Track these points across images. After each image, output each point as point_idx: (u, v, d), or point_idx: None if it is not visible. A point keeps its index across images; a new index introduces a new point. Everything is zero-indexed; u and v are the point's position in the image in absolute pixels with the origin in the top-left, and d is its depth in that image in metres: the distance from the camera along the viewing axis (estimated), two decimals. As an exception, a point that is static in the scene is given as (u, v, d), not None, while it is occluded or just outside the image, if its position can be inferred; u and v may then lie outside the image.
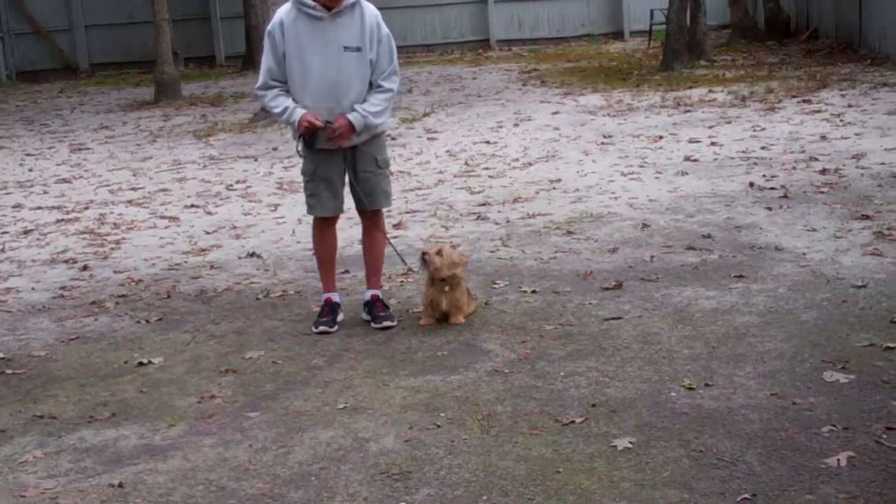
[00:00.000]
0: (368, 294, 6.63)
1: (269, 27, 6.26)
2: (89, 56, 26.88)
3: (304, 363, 5.96)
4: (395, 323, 6.46)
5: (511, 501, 4.19)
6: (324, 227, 6.66)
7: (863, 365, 5.26)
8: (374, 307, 6.53)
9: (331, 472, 4.57)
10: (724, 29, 24.74)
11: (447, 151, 12.68)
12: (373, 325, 6.47)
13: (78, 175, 12.83)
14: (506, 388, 5.35)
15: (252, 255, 8.46)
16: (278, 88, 6.28)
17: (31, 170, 13.64)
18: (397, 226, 9.04)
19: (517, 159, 11.79)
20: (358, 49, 6.16)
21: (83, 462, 4.87)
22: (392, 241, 7.34)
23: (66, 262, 8.69)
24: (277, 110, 6.29)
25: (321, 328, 6.41)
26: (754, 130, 12.29)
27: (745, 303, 6.35)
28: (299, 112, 6.18)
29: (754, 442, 4.54)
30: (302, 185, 6.68)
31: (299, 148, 6.40)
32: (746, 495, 4.09)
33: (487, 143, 13.07)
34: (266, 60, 6.25)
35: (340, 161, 6.46)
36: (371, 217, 6.66)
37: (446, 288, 6.33)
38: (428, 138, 13.81)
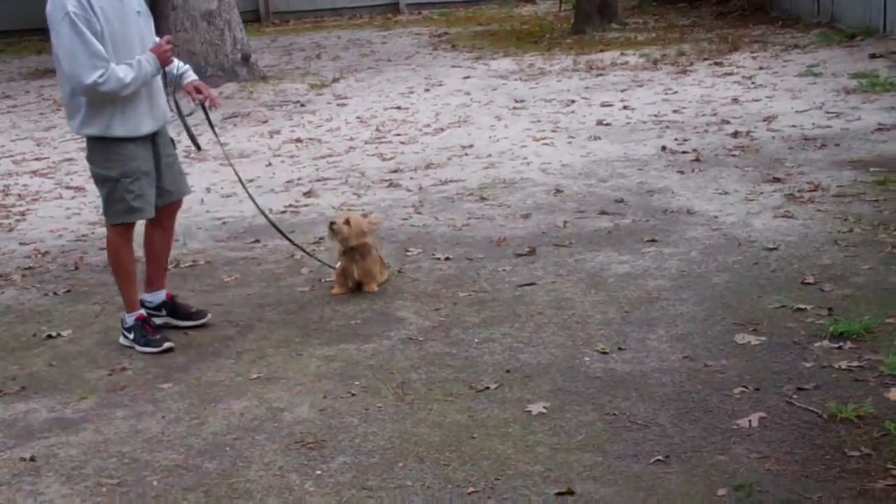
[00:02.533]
0: (163, 294, 6.08)
1: (69, 9, 5.22)
2: (-10, 22, 26.31)
3: (215, 334, 5.90)
4: (209, 315, 6.13)
5: (426, 468, 4.20)
6: (130, 231, 5.85)
7: (774, 327, 5.34)
8: (178, 306, 6.10)
9: (245, 443, 4.54)
10: (635, -8, 24.85)
11: (358, 118, 12.60)
12: (183, 323, 6.02)
13: (-20, 145, 12.56)
14: (420, 355, 5.35)
15: (162, 224, 8.32)
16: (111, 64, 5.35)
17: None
18: (308, 194, 8.96)
19: (429, 125, 11.74)
20: (143, 13, 5.68)
21: (-7, 437, 4.80)
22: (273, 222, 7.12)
23: (-31, 233, 8.51)
24: (129, 76, 5.36)
25: (166, 345, 5.70)
26: (666, 94, 12.37)
27: (658, 267, 6.40)
28: (147, 56, 5.47)
29: (667, 404, 4.58)
30: (118, 191, 5.58)
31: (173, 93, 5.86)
32: (660, 457, 4.14)
33: (398, 108, 13.01)
34: (86, 44, 5.24)
35: (151, 149, 5.76)
36: (174, 207, 6.04)
37: (357, 257, 6.30)
38: (338, 104, 13.71)
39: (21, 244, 8.04)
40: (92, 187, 9.70)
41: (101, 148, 5.56)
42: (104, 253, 7.49)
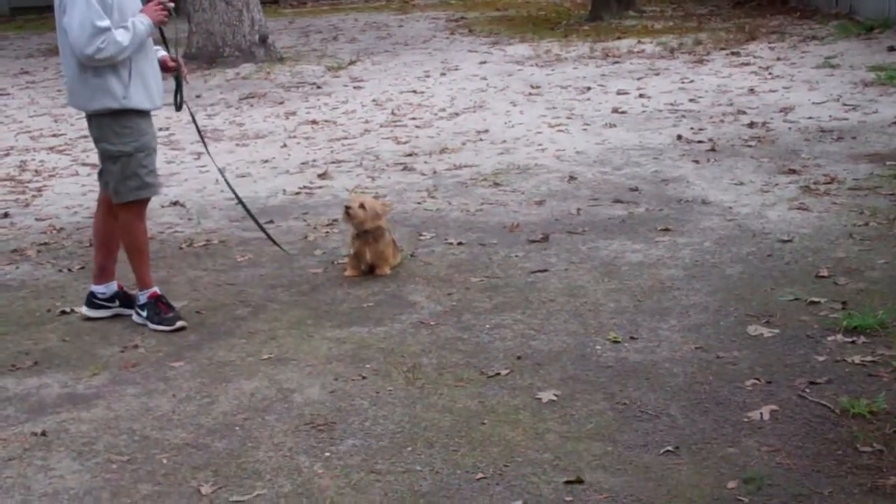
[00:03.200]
0: (115, 285, 5.98)
1: None
2: (9, 0, 26.27)
3: (227, 313, 5.90)
4: None
5: (436, 453, 4.20)
6: (144, 209, 5.85)
7: (787, 319, 5.32)
8: (131, 295, 5.98)
9: (255, 423, 4.55)
10: (653, -20, 24.75)
11: (373, 100, 12.58)
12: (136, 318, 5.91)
13: (-3, 120, 12.58)
14: (431, 340, 5.35)
15: (175, 203, 8.35)
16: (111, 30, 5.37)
17: (-52, 115, 13.34)
18: (322, 175, 8.96)
19: (444, 109, 11.73)
20: None
21: (5, 410, 4.82)
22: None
23: (-16, 209, 8.53)
24: (127, 39, 5.38)
25: (178, 324, 5.70)
26: (682, 83, 12.34)
27: (671, 256, 6.39)
28: (140, 17, 5.48)
29: (678, 395, 4.58)
30: (132, 166, 5.59)
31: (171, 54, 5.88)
32: (670, 447, 4.13)
33: (414, 92, 12.99)
34: (95, 16, 5.29)
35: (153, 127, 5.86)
36: None
37: (370, 240, 6.30)
38: (354, 87, 13.69)
39: (37, 220, 8.06)
40: (107, 164, 9.74)
41: (113, 123, 5.55)
42: (118, 230, 7.52)
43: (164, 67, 5.88)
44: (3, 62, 18.03)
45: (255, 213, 7.39)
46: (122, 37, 5.37)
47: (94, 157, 10.04)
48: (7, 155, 10.54)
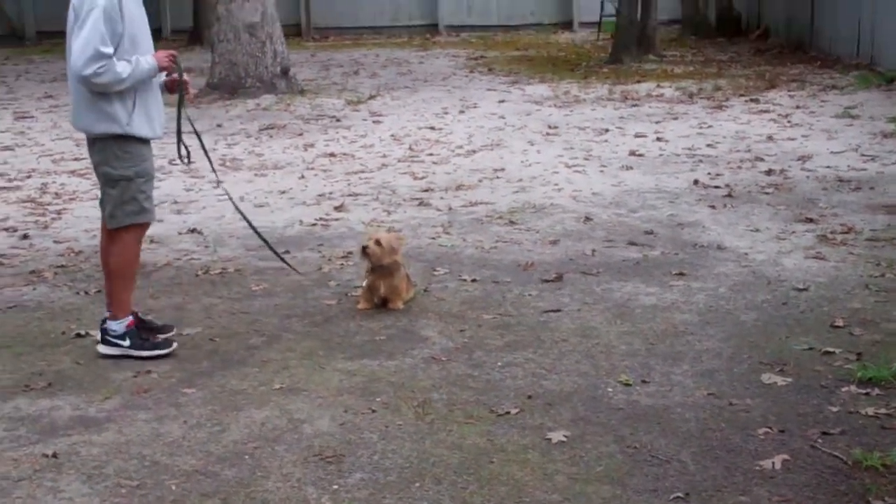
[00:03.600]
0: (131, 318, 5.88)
1: (101, 3, 5.36)
2: (36, 24, 26.43)
3: (241, 342, 5.92)
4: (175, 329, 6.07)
5: (443, 489, 4.19)
6: (142, 234, 5.91)
7: (801, 368, 5.31)
8: (145, 321, 5.99)
9: (265, 452, 4.55)
10: (675, 24, 24.80)
11: (392, 135, 12.64)
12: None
13: (21, 143, 12.61)
14: (442, 375, 5.35)
15: (193, 230, 8.38)
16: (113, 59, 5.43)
17: (-30, 135, 13.42)
18: (338, 208, 8.99)
19: (461, 146, 11.78)
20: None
21: (17, 431, 4.83)
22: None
23: (5, 230, 8.57)
24: (126, 72, 5.42)
25: (175, 346, 5.78)
26: (701, 128, 12.37)
27: (686, 301, 6.39)
28: (145, 58, 5.54)
29: (689, 441, 4.56)
30: (131, 191, 5.64)
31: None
32: (679, 494, 4.11)
33: (432, 128, 13.05)
34: (100, 40, 5.34)
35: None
36: None
37: (384, 274, 6.31)
38: (373, 121, 13.76)
39: (55, 242, 8.10)
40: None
41: (116, 147, 5.60)
42: (135, 256, 7.56)
43: (169, 88, 5.93)
44: (29, 85, 18.17)
45: (272, 243, 7.42)
46: (121, 68, 5.42)
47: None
48: (29, 177, 10.61)
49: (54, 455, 4.55)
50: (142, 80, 5.57)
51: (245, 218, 6.66)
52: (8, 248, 8.00)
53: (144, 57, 5.56)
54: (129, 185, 5.64)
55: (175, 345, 5.78)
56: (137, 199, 5.66)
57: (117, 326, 5.74)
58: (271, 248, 6.64)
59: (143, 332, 5.84)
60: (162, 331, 5.99)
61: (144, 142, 5.72)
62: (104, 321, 5.88)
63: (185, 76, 5.99)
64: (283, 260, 6.75)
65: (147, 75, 5.60)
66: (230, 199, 6.82)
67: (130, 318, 5.79)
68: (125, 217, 5.68)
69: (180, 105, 6.03)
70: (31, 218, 8.94)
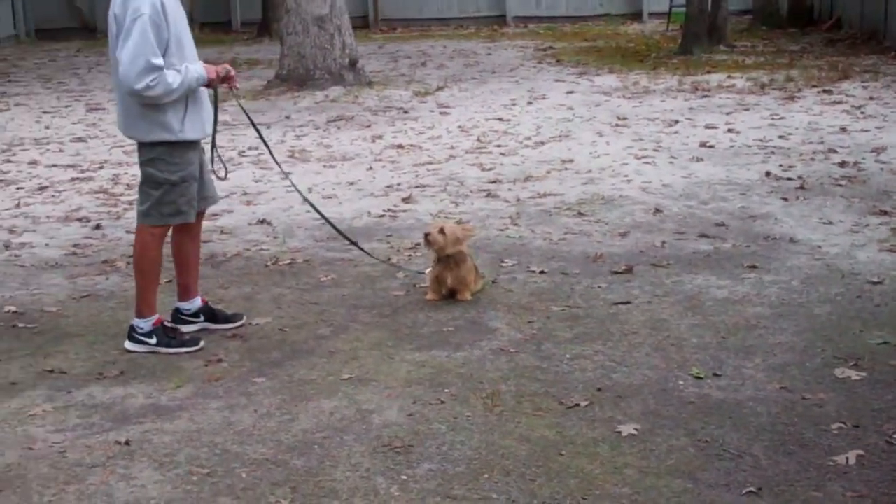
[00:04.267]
0: (199, 300, 6.06)
1: (145, 11, 5.30)
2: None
3: (310, 332, 5.94)
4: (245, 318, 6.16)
5: (512, 481, 4.18)
6: (166, 234, 5.85)
7: (875, 363, 5.23)
8: (215, 311, 6.10)
9: (334, 442, 4.56)
10: (746, 14, 24.55)
11: (459, 127, 12.63)
12: (222, 326, 6.01)
13: (93, 134, 12.76)
14: (511, 367, 5.34)
15: (262, 221, 8.43)
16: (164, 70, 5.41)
17: (47, 127, 13.58)
18: (406, 199, 9.00)
19: (530, 137, 11.73)
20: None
21: (91, 418, 4.89)
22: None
23: (79, 220, 8.68)
24: (176, 82, 5.40)
25: (202, 343, 5.77)
26: (773, 119, 12.23)
27: (758, 294, 6.32)
28: (195, 66, 5.54)
29: (761, 435, 4.51)
30: (172, 194, 5.63)
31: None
32: (752, 488, 4.07)
33: (500, 119, 13.01)
34: (150, 51, 5.30)
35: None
36: (204, 214, 6.18)
37: (451, 264, 6.30)
38: (440, 112, 13.75)
39: (127, 232, 8.17)
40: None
41: (167, 153, 5.57)
42: (206, 246, 7.65)
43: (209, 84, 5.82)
44: (101, 78, 18.38)
45: (349, 236, 7.45)
46: (172, 79, 5.38)
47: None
48: (101, 168, 10.73)
49: (127, 442, 4.59)
50: (191, 89, 5.54)
51: (315, 207, 6.73)
52: (81, 238, 8.10)
53: (193, 65, 5.53)
54: (173, 189, 5.62)
55: (202, 343, 5.78)
56: (177, 202, 5.65)
57: (144, 324, 5.74)
58: (344, 235, 6.67)
59: (171, 329, 5.84)
60: (231, 320, 6.06)
61: (194, 144, 5.71)
62: (176, 310, 5.94)
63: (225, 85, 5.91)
64: (356, 245, 6.77)
65: (196, 84, 5.56)
66: (297, 190, 6.88)
67: (157, 315, 5.79)
68: (160, 217, 5.68)
69: (215, 117, 5.93)
70: (104, 208, 9.05)
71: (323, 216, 6.72)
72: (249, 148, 11.54)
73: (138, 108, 5.50)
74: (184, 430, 4.72)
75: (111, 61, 5.59)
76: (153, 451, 4.53)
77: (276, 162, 6.95)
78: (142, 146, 5.63)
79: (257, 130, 6.42)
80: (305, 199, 6.83)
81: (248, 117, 6.30)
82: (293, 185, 6.89)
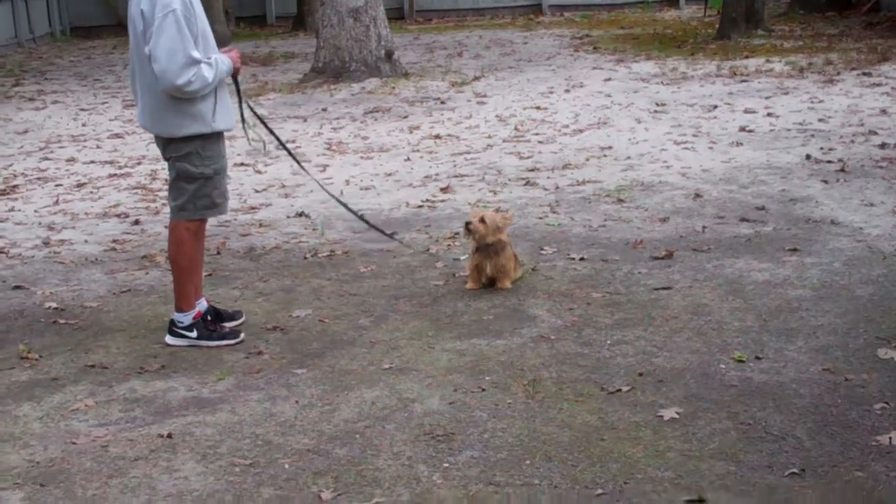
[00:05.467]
0: (204, 301, 5.95)
1: (176, 6, 5.28)
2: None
3: (350, 323, 5.95)
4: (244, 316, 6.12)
5: (554, 467, 4.17)
6: (203, 227, 5.88)
7: (918, 343, 5.18)
8: (219, 310, 6.03)
9: (375, 431, 4.57)
10: (783, -1, 24.38)
11: (496, 116, 12.60)
12: (228, 324, 5.94)
13: (130, 131, 12.82)
14: (551, 354, 5.33)
15: (301, 214, 8.46)
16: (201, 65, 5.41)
17: (84, 124, 13.69)
18: (444, 189, 8.99)
19: (567, 125, 11.70)
20: None
21: (133, 412, 4.92)
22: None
23: (118, 216, 8.74)
24: (211, 76, 5.41)
25: (242, 336, 5.79)
26: (812, 102, 12.13)
27: (799, 276, 6.27)
28: (222, 57, 5.55)
29: (804, 417, 4.48)
30: (207, 188, 5.65)
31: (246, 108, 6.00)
32: (795, 469, 4.05)
33: (538, 108, 12.98)
34: (186, 46, 5.29)
35: None
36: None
37: (491, 253, 6.29)
38: (477, 102, 13.73)
39: (165, 227, 8.18)
40: (235, 175, 9.92)
41: (200, 146, 5.56)
42: (245, 239, 7.70)
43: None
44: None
45: (379, 225, 7.46)
46: (207, 72, 5.38)
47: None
48: (138, 164, 10.79)
49: (169, 435, 4.62)
50: (221, 80, 5.56)
51: (340, 200, 6.71)
52: (120, 233, 8.16)
53: (220, 56, 5.53)
54: (207, 182, 5.63)
55: (242, 335, 5.79)
56: (211, 195, 5.66)
57: (184, 319, 5.76)
58: (374, 227, 6.68)
59: (211, 322, 5.86)
60: (233, 317, 6.04)
61: (222, 136, 5.71)
62: (208, 310, 5.93)
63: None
64: (388, 235, 6.79)
65: (226, 75, 5.59)
66: (319, 184, 6.92)
67: (197, 309, 5.81)
68: (195, 211, 5.68)
69: (240, 96, 5.96)
70: (142, 204, 9.10)
71: (347, 207, 6.72)
72: (287, 141, 11.56)
73: (170, 103, 5.45)
74: (225, 422, 4.74)
75: (134, 58, 5.55)
76: (195, 443, 4.55)
77: (289, 151, 6.92)
78: (173, 142, 5.58)
79: (265, 125, 6.35)
80: (335, 197, 6.84)
81: (251, 109, 6.25)
82: (313, 177, 6.90)
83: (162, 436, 4.62)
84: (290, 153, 6.82)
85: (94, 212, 8.91)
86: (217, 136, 5.64)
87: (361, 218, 7.14)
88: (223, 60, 5.53)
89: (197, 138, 5.54)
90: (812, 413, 4.52)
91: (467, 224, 6.33)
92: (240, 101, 5.99)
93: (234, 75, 5.76)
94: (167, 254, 6.00)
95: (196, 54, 5.31)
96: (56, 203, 9.30)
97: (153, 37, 5.30)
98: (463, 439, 4.45)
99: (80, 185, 9.99)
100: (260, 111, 13.81)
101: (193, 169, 5.58)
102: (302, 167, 7.11)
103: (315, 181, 7.12)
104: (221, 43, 5.85)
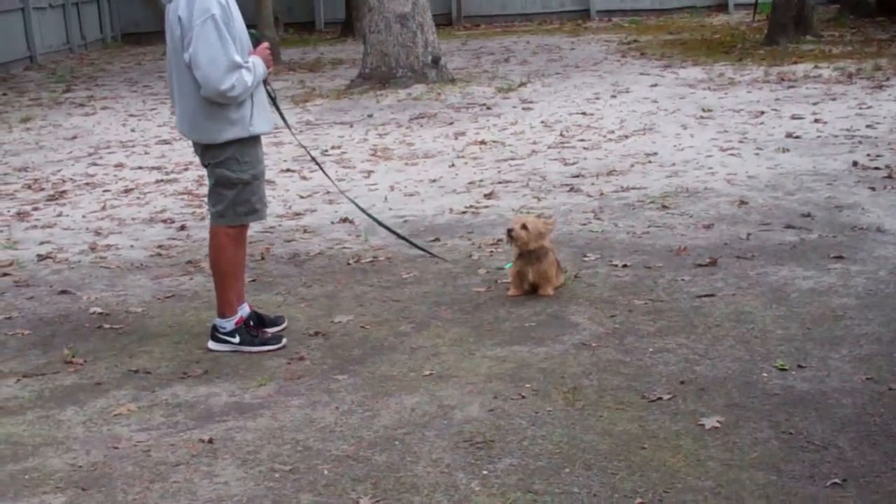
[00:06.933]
0: (247, 307, 5.96)
1: (214, 11, 5.28)
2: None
3: (391, 329, 5.96)
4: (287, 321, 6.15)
5: (594, 475, 4.16)
6: (245, 233, 5.89)
7: (963, 352, 5.12)
8: (261, 315, 6.04)
9: (415, 438, 4.57)
10: (833, 3, 24.13)
11: (542, 122, 12.59)
12: (270, 330, 5.95)
13: (178, 137, 12.88)
14: (592, 361, 5.31)
15: (345, 220, 8.48)
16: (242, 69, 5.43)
17: (133, 130, 13.82)
18: (489, 195, 8.99)
19: (613, 131, 11.66)
20: None
21: (175, 417, 4.95)
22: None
23: (164, 221, 8.81)
24: (251, 80, 5.43)
25: (284, 341, 5.81)
26: (860, 108, 12.01)
27: (844, 284, 6.21)
28: (257, 60, 5.56)
29: (847, 426, 4.44)
30: (246, 193, 5.66)
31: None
32: (837, 480, 4.01)
33: (583, 114, 12.95)
34: (227, 50, 5.31)
35: None
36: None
37: (533, 259, 6.28)
38: (523, 108, 13.72)
39: (210, 233, 8.29)
40: (281, 181, 9.97)
41: (238, 151, 5.56)
42: (289, 245, 7.74)
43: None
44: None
45: (422, 231, 7.48)
46: (248, 77, 5.38)
47: (267, 174, 10.27)
48: (186, 170, 10.88)
49: (210, 441, 4.65)
50: (259, 83, 5.57)
51: (369, 214, 6.73)
52: (166, 239, 8.22)
53: (256, 59, 5.53)
54: (246, 188, 5.63)
55: (284, 340, 5.81)
56: (251, 200, 5.67)
57: (226, 324, 5.78)
58: (405, 238, 6.70)
59: (253, 328, 5.87)
60: (275, 323, 6.05)
61: (259, 141, 5.71)
62: (251, 315, 5.94)
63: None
64: (419, 247, 6.83)
65: (262, 78, 5.59)
66: (347, 196, 7.03)
67: (240, 314, 5.82)
68: (235, 217, 5.68)
69: (271, 96, 5.94)
70: (188, 210, 9.17)
71: (369, 215, 6.75)
72: (332, 147, 11.63)
73: (208, 108, 5.45)
74: (266, 428, 4.76)
75: (172, 65, 5.56)
76: (236, 448, 4.58)
77: (318, 164, 6.94)
78: (211, 148, 5.59)
79: (279, 112, 6.29)
80: (363, 209, 6.88)
81: (277, 108, 6.23)
82: (332, 178, 6.93)
83: (203, 441, 4.65)
84: (314, 159, 6.79)
85: (141, 217, 8.99)
86: (255, 141, 5.65)
87: (388, 227, 7.11)
88: (260, 64, 5.54)
89: (235, 143, 5.54)
90: (855, 423, 4.47)
91: (509, 231, 6.32)
92: (274, 102, 5.99)
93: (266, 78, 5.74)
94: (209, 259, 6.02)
95: (238, 59, 5.33)
96: (103, 208, 9.39)
97: (192, 43, 5.31)
98: (502, 447, 4.45)
99: (127, 191, 10.08)
100: (307, 117, 13.91)
101: (232, 175, 5.59)
102: (325, 173, 7.06)
103: (344, 195, 7.13)
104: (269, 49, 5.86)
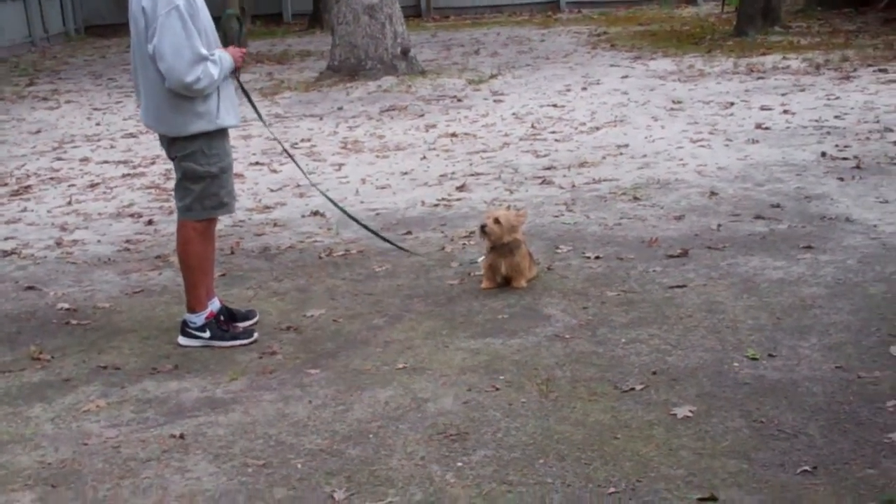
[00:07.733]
0: (217, 301, 5.95)
1: (178, 2, 5.21)
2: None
3: (364, 323, 5.96)
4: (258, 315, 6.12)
5: (568, 466, 4.17)
6: (213, 227, 5.87)
7: (932, 340, 5.16)
8: (232, 310, 6.02)
9: (389, 431, 4.58)
10: (800, -5, 24.28)
11: (513, 114, 12.60)
12: (242, 324, 5.93)
13: (144, 130, 12.79)
14: (566, 353, 5.32)
15: (315, 213, 8.47)
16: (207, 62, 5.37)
17: (98, 124, 13.75)
18: (461, 188, 8.99)
19: (584, 123, 11.68)
20: None
21: (145, 413, 4.93)
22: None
23: (131, 216, 8.77)
24: (217, 72, 5.37)
25: (255, 336, 5.79)
26: (828, 99, 12.08)
27: (813, 274, 6.25)
28: (224, 54, 5.49)
29: (817, 414, 4.47)
30: (213, 186, 5.61)
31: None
32: (807, 467, 4.04)
33: (554, 106, 12.97)
34: (191, 42, 5.24)
35: None
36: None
37: (506, 252, 6.28)
38: (494, 100, 13.73)
39: (180, 227, 8.26)
40: (250, 174, 9.94)
41: (205, 144, 5.52)
42: (260, 239, 7.71)
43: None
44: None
45: (394, 224, 7.48)
46: (213, 70, 5.32)
47: (236, 167, 10.26)
48: (152, 164, 10.83)
49: (181, 436, 4.64)
50: (226, 77, 5.51)
51: (340, 207, 6.72)
52: (133, 233, 8.19)
53: (222, 53, 5.47)
54: (214, 181, 5.59)
55: (256, 335, 5.79)
56: (219, 194, 5.63)
57: (197, 319, 5.75)
58: (376, 233, 6.70)
59: (224, 322, 5.86)
60: (246, 317, 6.03)
61: (227, 134, 5.67)
62: (222, 310, 5.92)
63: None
64: (389, 241, 6.85)
65: (229, 72, 5.53)
66: (318, 189, 6.97)
67: (210, 309, 5.80)
68: (203, 211, 5.64)
69: (246, 93, 5.97)
70: (156, 204, 9.14)
71: (348, 213, 6.74)
72: (302, 140, 11.60)
73: (174, 101, 5.40)
74: (238, 423, 4.75)
75: (136, 57, 5.50)
76: (208, 444, 4.56)
77: (290, 156, 6.94)
78: (177, 141, 5.54)
79: (250, 100, 6.26)
80: (340, 206, 6.83)
81: (251, 101, 6.21)
82: (313, 183, 6.91)
83: (174, 436, 4.63)
84: (286, 151, 6.78)
85: (108, 212, 8.94)
86: (222, 134, 5.61)
87: (357, 220, 7.09)
88: (226, 58, 5.49)
89: (202, 136, 5.49)
90: (825, 411, 4.51)
91: (482, 226, 6.32)
92: (248, 98, 5.99)
93: (236, 71, 5.69)
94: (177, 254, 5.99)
95: (203, 51, 5.27)
96: (69, 203, 9.34)
97: (157, 34, 5.24)
98: (476, 438, 4.46)
99: (93, 185, 10.03)
100: (275, 110, 13.87)
101: (199, 168, 5.55)
102: (297, 165, 7.05)
103: (316, 187, 7.11)
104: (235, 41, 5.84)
